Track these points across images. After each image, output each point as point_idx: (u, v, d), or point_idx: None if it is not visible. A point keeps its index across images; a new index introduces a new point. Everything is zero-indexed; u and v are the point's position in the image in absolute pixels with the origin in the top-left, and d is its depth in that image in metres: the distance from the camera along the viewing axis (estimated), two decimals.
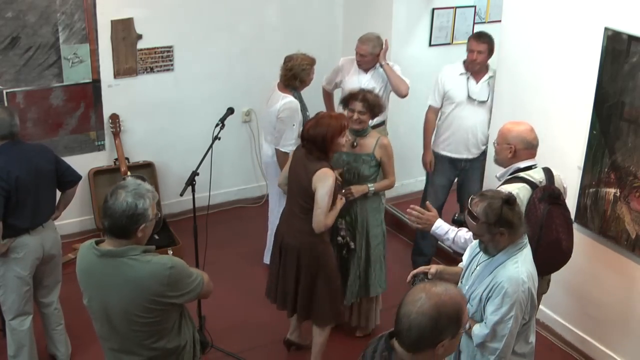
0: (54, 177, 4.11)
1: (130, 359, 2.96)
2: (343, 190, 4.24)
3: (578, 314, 4.67)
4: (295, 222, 4.06)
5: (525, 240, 3.05)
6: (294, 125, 4.99)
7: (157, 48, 5.80)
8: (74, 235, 5.67)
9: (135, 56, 5.72)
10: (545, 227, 3.53)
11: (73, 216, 5.71)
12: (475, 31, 5.55)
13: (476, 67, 5.11)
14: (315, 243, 4.03)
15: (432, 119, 5.33)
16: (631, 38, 3.95)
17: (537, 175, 3.64)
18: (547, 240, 3.55)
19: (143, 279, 2.77)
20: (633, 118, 4.02)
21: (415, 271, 3.29)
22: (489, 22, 6.95)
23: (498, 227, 2.93)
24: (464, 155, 5.26)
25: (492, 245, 3.01)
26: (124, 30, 5.61)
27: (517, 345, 3.12)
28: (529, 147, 3.67)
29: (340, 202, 4.06)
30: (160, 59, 5.86)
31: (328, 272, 4.10)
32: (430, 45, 6.26)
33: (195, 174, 4.27)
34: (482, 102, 5.12)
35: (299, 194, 4.02)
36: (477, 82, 5.13)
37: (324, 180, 3.87)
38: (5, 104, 5.25)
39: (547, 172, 3.71)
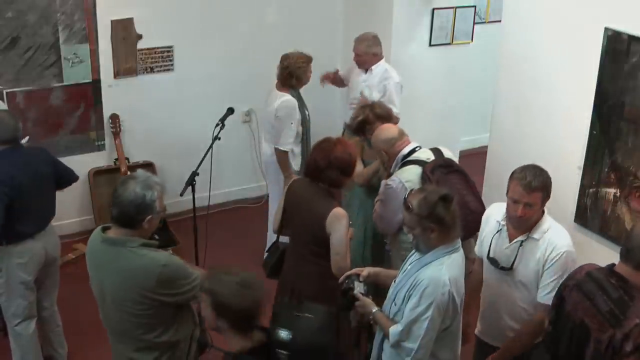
0: (54, 180, 4.11)
1: (121, 347, 3.03)
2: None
3: None
4: (311, 267, 3.65)
5: (457, 245, 3.02)
6: (291, 123, 5.01)
7: (157, 48, 5.81)
8: (74, 235, 5.66)
9: (135, 56, 5.72)
10: None
11: (73, 216, 5.71)
12: (523, 165, 3.31)
13: (517, 225, 3.34)
14: (334, 288, 3.50)
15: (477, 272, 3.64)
16: (631, 38, 3.94)
17: (423, 155, 3.86)
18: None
19: (134, 271, 2.81)
20: (633, 118, 4.01)
21: (347, 273, 3.31)
22: (489, 22, 6.98)
23: (429, 221, 2.91)
24: (494, 343, 3.53)
25: (423, 241, 2.97)
26: (124, 30, 5.61)
27: (440, 350, 3.07)
28: (392, 141, 3.89)
29: (350, 236, 3.64)
30: (160, 59, 5.86)
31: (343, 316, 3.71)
32: (430, 45, 6.25)
33: (195, 174, 4.27)
34: (505, 270, 3.37)
35: (309, 240, 3.60)
36: (510, 242, 3.38)
37: (339, 224, 3.48)
38: (5, 104, 5.25)
39: (436, 150, 3.97)
